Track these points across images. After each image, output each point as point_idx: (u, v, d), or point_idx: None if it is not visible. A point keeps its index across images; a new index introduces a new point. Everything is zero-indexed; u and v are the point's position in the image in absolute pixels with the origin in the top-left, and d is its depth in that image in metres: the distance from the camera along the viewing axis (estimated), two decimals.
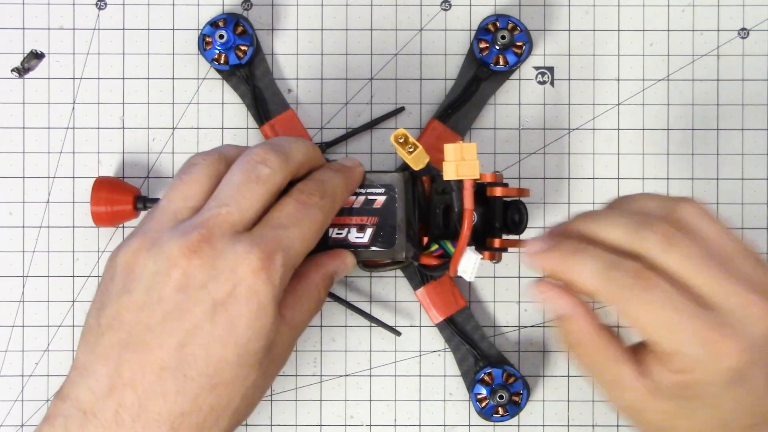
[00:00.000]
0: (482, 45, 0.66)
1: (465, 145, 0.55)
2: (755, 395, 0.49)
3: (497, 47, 0.66)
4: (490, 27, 0.66)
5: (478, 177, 0.55)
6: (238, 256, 0.50)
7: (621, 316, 0.49)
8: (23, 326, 0.67)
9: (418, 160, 0.56)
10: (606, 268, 0.49)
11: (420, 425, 0.68)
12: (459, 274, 0.57)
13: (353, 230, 0.58)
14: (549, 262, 0.51)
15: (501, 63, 0.66)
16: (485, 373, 0.66)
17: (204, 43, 0.66)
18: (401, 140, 0.56)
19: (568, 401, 0.68)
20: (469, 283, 0.67)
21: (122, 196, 0.64)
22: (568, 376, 0.68)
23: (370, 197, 0.60)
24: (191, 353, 0.49)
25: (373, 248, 0.57)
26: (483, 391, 0.65)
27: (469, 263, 0.56)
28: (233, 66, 0.66)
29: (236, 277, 0.50)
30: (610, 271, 0.49)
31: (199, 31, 0.67)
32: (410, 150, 0.56)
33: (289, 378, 0.67)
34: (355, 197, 0.59)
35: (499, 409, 0.65)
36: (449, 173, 0.55)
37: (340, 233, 0.57)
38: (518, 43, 0.66)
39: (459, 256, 0.57)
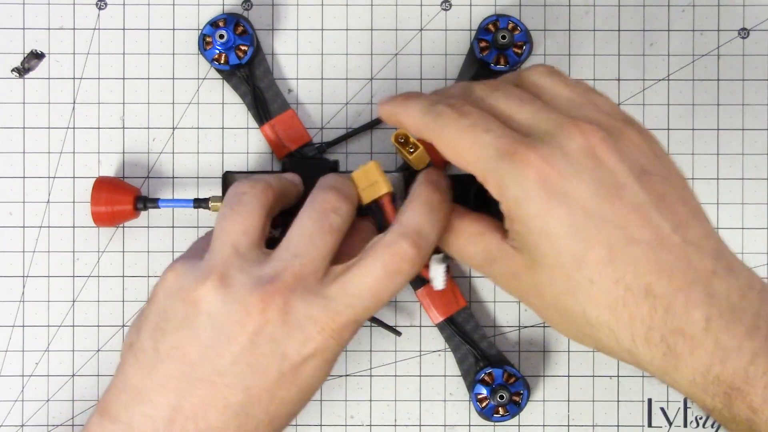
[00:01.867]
0: (482, 45, 0.66)
1: (365, 168, 0.55)
2: (583, 209, 0.48)
3: (497, 47, 0.66)
4: (491, 27, 0.66)
5: (389, 191, 0.55)
6: (311, 319, 0.50)
7: (442, 148, 0.51)
8: (23, 326, 0.67)
9: (419, 161, 0.56)
10: (428, 104, 0.52)
11: (420, 425, 0.68)
12: (431, 282, 0.57)
13: None
14: (387, 108, 0.54)
15: (501, 63, 0.66)
16: (486, 373, 0.66)
17: (204, 43, 0.66)
18: (402, 140, 0.56)
19: (568, 401, 0.68)
20: (469, 282, 0.67)
21: (122, 196, 0.64)
22: (569, 376, 0.68)
23: None
24: (256, 396, 0.50)
25: None
26: (483, 391, 0.65)
27: (436, 272, 0.56)
28: (233, 66, 0.66)
29: (306, 338, 0.50)
30: (431, 106, 0.52)
31: (200, 31, 0.67)
32: (411, 150, 0.56)
33: None
34: None
35: (500, 409, 0.65)
36: (365, 200, 0.55)
37: None
38: (518, 43, 0.66)
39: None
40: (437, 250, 0.56)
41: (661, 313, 0.47)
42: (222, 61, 0.66)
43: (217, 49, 0.66)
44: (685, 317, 0.47)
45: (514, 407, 0.65)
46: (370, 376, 0.68)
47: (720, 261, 0.48)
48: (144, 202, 0.65)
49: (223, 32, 0.65)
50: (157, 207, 0.65)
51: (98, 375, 0.67)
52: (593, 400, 0.68)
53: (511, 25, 0.66)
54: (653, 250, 0.47)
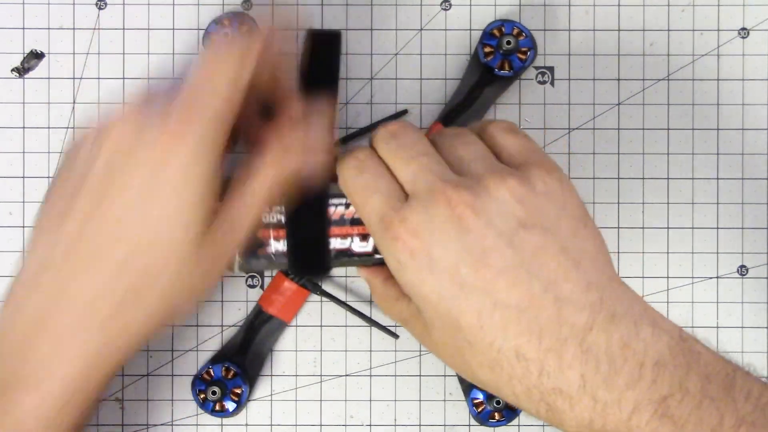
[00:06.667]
0: (487, 50, 0.66)
1: None
2: (450, 278, 0.49)
3: (502, 52, 0.65)
4: (495, 32, 0.66)
5: None
6: (158, 122, 0.51)
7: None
8: None
9: None
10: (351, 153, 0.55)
11: (420, 425, 0.68)
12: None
13: (356, 239, 0.57)
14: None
15: (505, 68, 0.66)
16: None
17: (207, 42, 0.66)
18: None
19: None
20: None
21: None
22: None
23: None
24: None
25: (377, 256, 0.57)
26: (480, 396, 0.65)
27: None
28: None
29: (155, 143, 0.51)
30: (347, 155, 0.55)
31: (204, 31, 0.66)
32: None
33: (289, 378, 0.67)
34: None
35: (496, 414, 0.65)
36: None
37: (344, 243, 0.57)
38: (523, 49, 0.66)
39: None
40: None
41: (536, 375, 0.48)
42: None
43: None
44: (559, 377, 0.48)
45: (509, 413, 0.65)
46: (370, 376, 0.68)
47: (599, 312, 0.48)
48: None
49: (228, 31, 0.65)
50: None
51: None
52: None
53: (516, 31, 0.66)
54: (522, 312, 0.48)
